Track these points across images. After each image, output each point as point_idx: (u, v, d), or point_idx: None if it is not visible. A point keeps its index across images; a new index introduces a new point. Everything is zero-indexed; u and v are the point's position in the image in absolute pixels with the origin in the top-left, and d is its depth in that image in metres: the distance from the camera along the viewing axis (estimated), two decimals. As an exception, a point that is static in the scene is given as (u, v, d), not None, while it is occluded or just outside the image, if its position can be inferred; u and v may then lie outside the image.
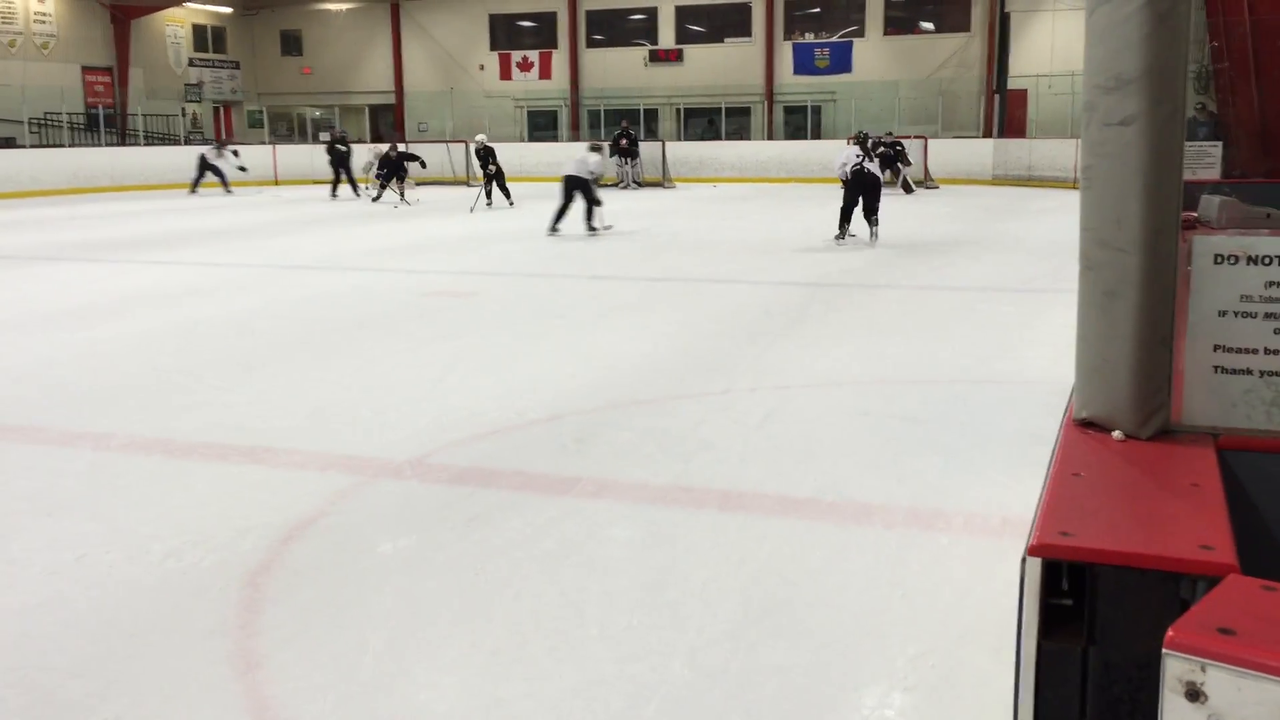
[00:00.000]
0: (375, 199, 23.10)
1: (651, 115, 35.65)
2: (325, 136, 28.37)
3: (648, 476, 4.93)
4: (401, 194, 22.74)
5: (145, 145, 31.55)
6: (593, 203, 15.80)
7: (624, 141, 28.37)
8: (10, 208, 22.29)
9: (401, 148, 24.52)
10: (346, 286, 11.16)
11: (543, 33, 38.12)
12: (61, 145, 30.25)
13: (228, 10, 39.37)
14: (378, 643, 3.35)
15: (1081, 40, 1.86)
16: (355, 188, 24.47)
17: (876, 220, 14.47)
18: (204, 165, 26.17)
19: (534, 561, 3.96)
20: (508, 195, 21.69)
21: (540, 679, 3.12)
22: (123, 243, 15.46)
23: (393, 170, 23.05)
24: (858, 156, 14.52)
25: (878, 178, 14.68)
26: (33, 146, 29.11)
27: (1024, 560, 1.42)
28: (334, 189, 24.48)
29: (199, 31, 38.48)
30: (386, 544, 4.14)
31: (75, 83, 33.46)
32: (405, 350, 7.87)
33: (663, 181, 28.16)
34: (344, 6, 39.64)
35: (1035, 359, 7.23)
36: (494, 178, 21.78)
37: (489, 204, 21.29)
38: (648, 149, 29.02)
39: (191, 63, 38.08)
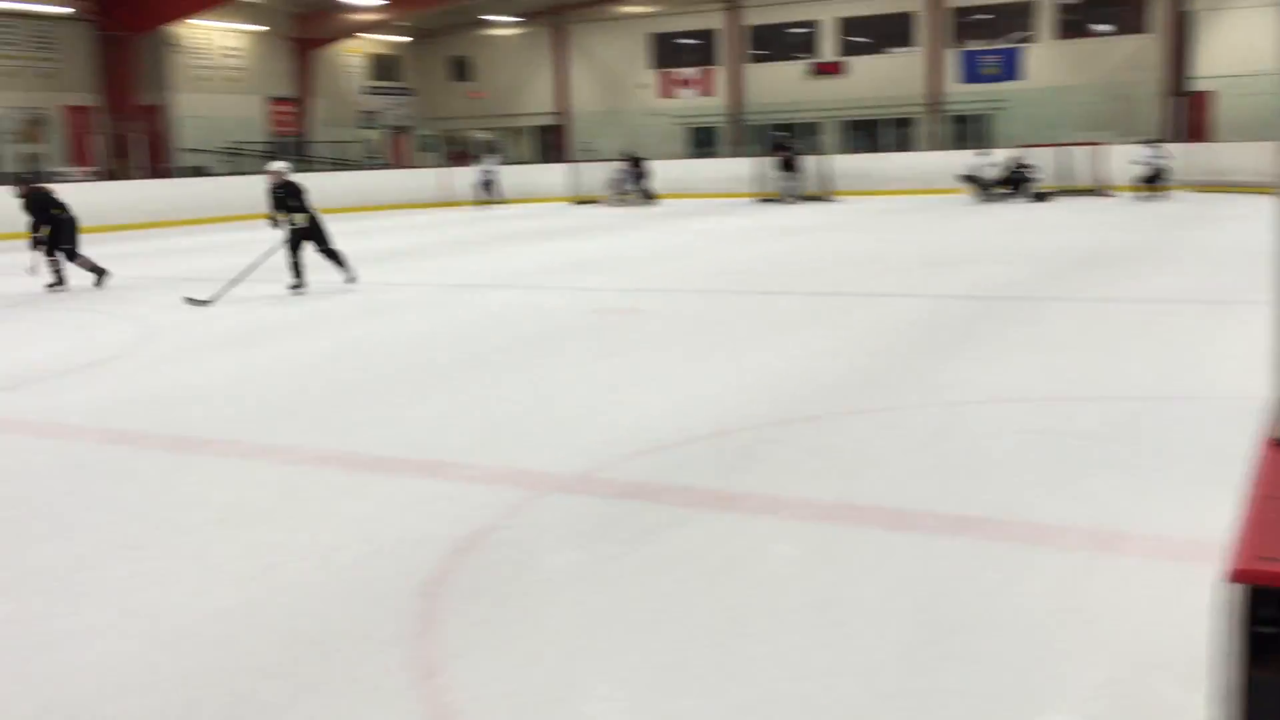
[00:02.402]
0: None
1: (815, 128, 35.42)
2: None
3: (814, 493, 4.88)
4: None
5: (327, 170, 33.04)
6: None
7: (783, 154, 28.24)
8: (201, 233, 23.60)
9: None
10: (514, 305, 11.43)
11: (703, 50, 38.36)
12: (249, 173, 31.95)
13: (402, 39, 40.97)
14: (549, 655, 3.41)
15: (1273, 39, 1.76)
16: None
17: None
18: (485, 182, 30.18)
19: (700, 578, 3.97)
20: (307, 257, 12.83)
21: (710, 695, 3.13)
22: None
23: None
24: None
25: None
26: (222, 174, 30.83)
27: (1223, 586, 1.36)
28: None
29: (374, 61, 40.20)
30: (556, 558, 4.22)
31: (262, 113, 35.35)
32: (573, 367, 8.01)
33: (825, 195, 27.89)
34: (510, 31, 40.74)
35: (1224, 374, 6.88)
36: (304, 230, 12.62)
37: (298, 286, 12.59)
38: (810, 163, 28.79)
39: (367, 91, 39.82)
